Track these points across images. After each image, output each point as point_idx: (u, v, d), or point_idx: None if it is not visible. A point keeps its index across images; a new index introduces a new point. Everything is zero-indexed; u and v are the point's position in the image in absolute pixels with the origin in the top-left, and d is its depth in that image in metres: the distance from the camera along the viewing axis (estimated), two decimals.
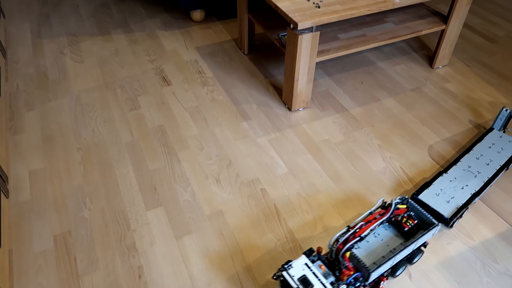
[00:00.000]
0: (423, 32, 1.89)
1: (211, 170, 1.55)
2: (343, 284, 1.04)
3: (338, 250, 1.07)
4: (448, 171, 1.47)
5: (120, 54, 2.13)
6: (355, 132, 1.71)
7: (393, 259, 1.09)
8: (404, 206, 1.20)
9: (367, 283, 1.08)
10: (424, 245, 1.24)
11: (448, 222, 1.32)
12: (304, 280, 1.01)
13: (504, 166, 1.48)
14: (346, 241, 1.08)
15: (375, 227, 1.15)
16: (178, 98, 1.87)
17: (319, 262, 1.10)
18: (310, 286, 1.00)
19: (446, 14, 1.94)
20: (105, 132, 1.70)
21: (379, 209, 1.20)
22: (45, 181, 1.50)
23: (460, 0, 1.81)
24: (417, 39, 2.27)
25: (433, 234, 1.20)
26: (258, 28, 2.36)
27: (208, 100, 1.86)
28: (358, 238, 1.10)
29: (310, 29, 1.56)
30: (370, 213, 1.18)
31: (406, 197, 1.22)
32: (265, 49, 2.19)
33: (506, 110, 1.58)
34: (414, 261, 1.23)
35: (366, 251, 1.15)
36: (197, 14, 2.36)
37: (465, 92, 1.92)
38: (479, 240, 1.34)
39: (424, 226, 1.21)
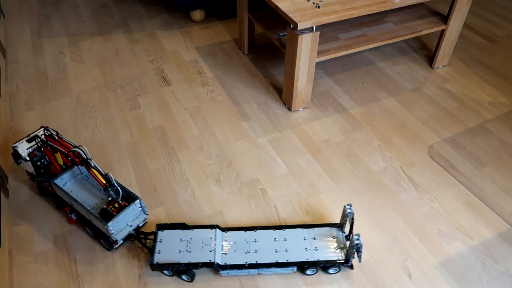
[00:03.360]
0: (423, 32, 1.89)
1: (211, 170, 1.55)
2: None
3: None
4: (228, 232, 1.29)
5: (120, 54, 2.13)
6: (355, 132, 1.71)
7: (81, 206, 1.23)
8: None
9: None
10: None
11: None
12: None
13: (288, 266, 1.20)
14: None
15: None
16: (178, 98, 1.87)
17: None
18: None
19: (446, 14, 1.94)
20: (105, 132, 1.70)
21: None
22: None
23: (460, 0, 1.81)
24: (417, 39, 2.27)
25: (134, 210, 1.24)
26: (258, 28, 2.36)
27: (208, 100, 1.86)
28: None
29: (310, 29, 1.56)
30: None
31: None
32: (265, 49, 2.19)
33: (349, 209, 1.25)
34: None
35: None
36: (197, 14, 2.36)
37: (465, 92, 1.92)
38: (479, 240, 1.34)
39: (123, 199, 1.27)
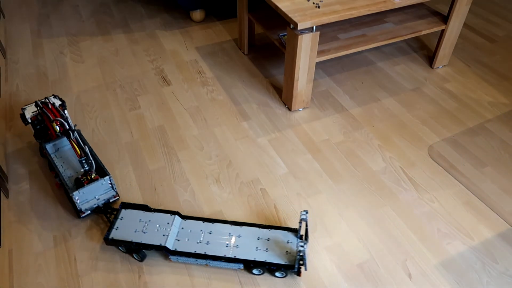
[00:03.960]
0: (423, 32, 1.89)
1: (211, 170, 1.55)
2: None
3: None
4: (187, 220, 1.32)
5: (120, 54, 2.13)
6: (355, 132, 1.71)
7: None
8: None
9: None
10: None
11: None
12: None
13: (234, 262, 1.22)
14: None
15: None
16: (178, 98, 1.87)
17: None
18: None
19: (446, 14, 1.94)
20: (105, 132, 1.70)
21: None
22: (45, 181, 1.50)
23: (460, 0, 1.81)
24: (417, 39, 2.27)
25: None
26: (258, 28, 2.36)
27: (208, 100, 1.86)
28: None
29: (310, 29, 1.56)
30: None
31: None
32: (265, 49, 2.19)
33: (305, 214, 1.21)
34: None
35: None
36: (197, 14, 2.36)
37: (465, 92, 1.92)
38: (479, 240, 1.34)
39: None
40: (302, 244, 1.14)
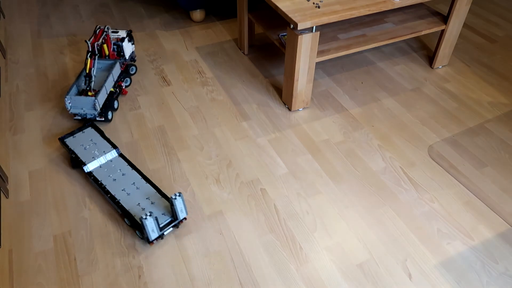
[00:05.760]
0: (423, 32, 1.89)
1: (211, 170, 1.55)
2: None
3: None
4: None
5: None
6: (355, 132, 1.71)
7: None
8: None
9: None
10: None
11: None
12: None
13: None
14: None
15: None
16: (178, 98, 1.87)
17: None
18: None
19: (446, 14, 1.94)
20: (105, 132, 1.70)
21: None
22: (45, 181, 1.50)
23: (460, 0, 1.81)
24: (417, 39, 2.27)
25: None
26: (258, 28, 2.36)
27: (208, 100, 1.86)
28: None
29: (310, 29, 1.56)
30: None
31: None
32: (265, 49, 2.19)
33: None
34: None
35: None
36: (197, 14, 2.36)
37: (465, 92, 1.92)
38: (479, 240, 1.34)
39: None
40: (174, 197, 1.28)
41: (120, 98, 1.86)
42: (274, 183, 1.51)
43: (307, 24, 1.49)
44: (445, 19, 1.94)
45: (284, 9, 1.55)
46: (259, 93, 1.90)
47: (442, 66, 2.07)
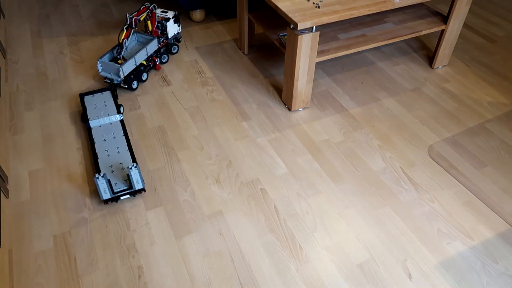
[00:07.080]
0: (423, 32, 1.89)
1: (211, 170, 1.55)
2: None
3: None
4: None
5: None
6: (355, 132, 1.71)
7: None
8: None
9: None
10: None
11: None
12: None
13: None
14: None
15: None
16: (178, 98, 1.87)
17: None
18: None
19: (446, 14, 1.94)
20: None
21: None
22: (45, 181, 1.50)
23: (460, 0, 1.81)
24: (417, 39, 2.27)
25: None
26: (258, 28, 2.36)
27: (208, 100, 1.86)
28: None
29: (310, 29, 1.56)
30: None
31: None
32: (265, 49, 2.19)
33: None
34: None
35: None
36: (197, 14, 2.36)
37: (465, 92, 1.92)
38: (479, 240, 1.34)
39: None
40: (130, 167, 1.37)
41: (120, 98, 1.86)
42: (274, 183, 1.51)
43: (307, 24, 1.49)
44: (445, 19, 1.94)
45: (284, 9, 1.55)
46: (259, 93, 1.90)
47: (442, 66, 2.07)
